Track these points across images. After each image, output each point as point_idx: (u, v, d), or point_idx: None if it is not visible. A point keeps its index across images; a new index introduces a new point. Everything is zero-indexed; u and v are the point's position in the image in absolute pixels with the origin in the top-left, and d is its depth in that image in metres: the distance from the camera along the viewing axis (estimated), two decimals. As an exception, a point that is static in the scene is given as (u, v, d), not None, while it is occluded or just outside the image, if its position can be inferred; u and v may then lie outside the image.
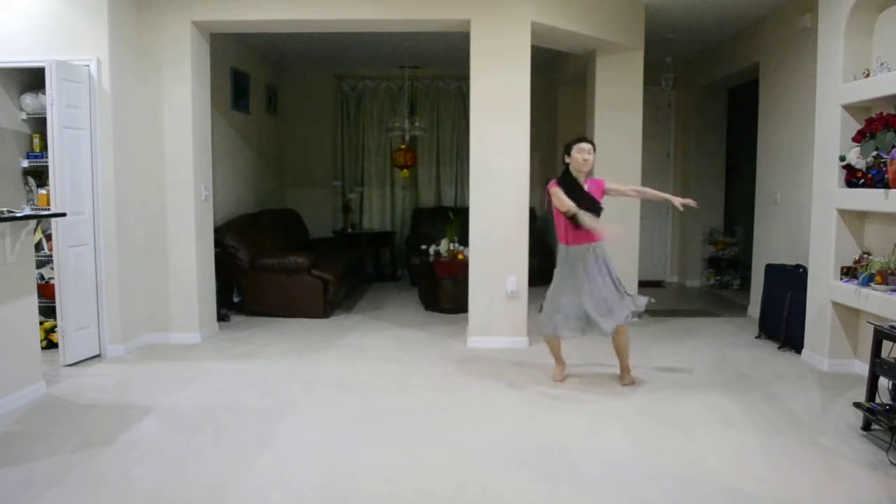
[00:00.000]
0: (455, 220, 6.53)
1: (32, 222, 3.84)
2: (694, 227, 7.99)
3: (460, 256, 6.22)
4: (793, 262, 5.38)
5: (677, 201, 4.11)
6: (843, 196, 4.25)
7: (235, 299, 6.32)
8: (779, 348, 5.06)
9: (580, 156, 4.01)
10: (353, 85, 8.73)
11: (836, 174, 4.32)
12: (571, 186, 4.01)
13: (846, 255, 4.34)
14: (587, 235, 3.98)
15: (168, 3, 4.98)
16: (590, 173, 4.16)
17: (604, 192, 4.13)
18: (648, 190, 4.48)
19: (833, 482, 2.85)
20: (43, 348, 4.28)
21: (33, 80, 4.77)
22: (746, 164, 7.27)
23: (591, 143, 4.09)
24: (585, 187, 4.06)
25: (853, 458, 3.07)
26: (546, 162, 8.29)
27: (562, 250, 4.12)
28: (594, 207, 4.00)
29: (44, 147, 4.71)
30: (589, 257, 4.00)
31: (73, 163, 4.51)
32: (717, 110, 7.91)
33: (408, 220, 8.78)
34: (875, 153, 3.96)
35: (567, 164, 4.08)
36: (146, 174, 5.07)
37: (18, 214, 3.61)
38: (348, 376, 4.38)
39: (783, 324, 5.08)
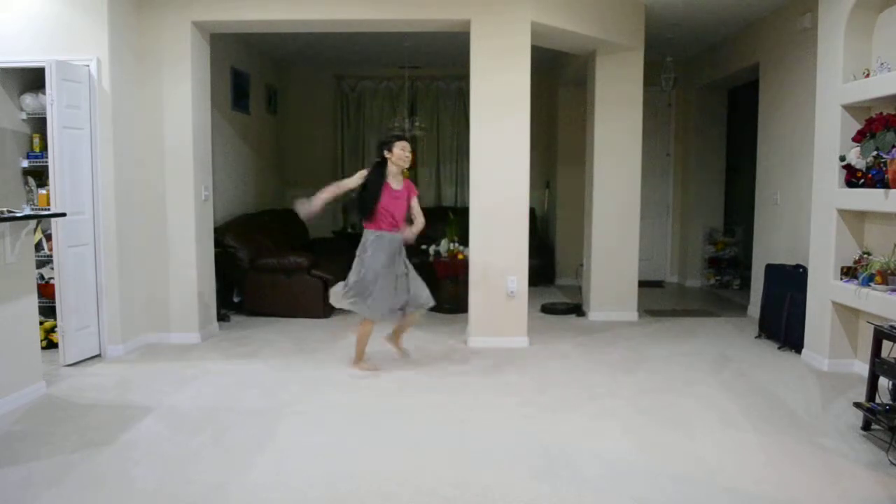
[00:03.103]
0: (455, 220, 6.53)
1: (32, 222, 3.84)
2: (694, 227, 7.99)
3: (460, 256, 6.22)
4: (793, 262, 5.39)
5: (408, 234, 4.40)
6: (843, 196, 4.25)
7: (235, 299, 6.32)
8: (779, 348, 5.06)
9: (403, 152, 4.27)
10: (353, 85, 8.73)
11: (836, 174, 4.32)
12: (376, 182, 4.26)
13: (846, 255, 4.34)
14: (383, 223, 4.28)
15: (168, 3, 4.98)
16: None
17: (408, 198, 4.37)
18: (417, 222, 4.56)
19: (833, 482, 2.85)
20: (43, 348, 4.28)
21: (33, 80, 4.77)
22: (746, 164, 7.27)
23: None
24: (398, 186, 4.30)
25: (853, 458, 3.07)
26: (546, 162, 8.31)
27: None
28: (366, 204, 4.26)
29: (44, 147, 4.71)
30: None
31: (73, 163, 4.51)
32: (717, 110, 7.91)
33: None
34: (875, 153, 3.96)
35: (383, 159, 4.28)
36: (146, 174, 5.07)
37: (18, 214, 3.61)
38: (348, 376, 4.38)
39: (783, 324, 5.08)
